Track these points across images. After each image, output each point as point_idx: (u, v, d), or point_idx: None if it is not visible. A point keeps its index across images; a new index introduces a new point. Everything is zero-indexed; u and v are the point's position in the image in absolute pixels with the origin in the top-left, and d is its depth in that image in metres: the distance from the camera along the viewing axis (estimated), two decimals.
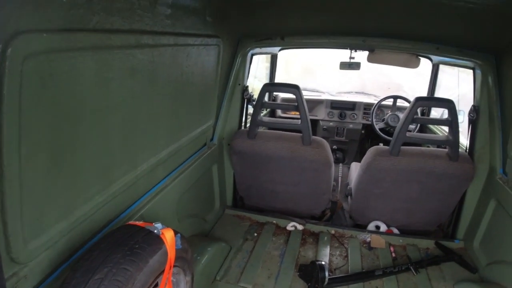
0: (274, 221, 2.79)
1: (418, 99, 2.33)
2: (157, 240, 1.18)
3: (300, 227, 2.73)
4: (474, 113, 2.46)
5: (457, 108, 2.40)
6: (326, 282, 2.01)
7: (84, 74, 1.15)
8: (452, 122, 2.30)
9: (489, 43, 2.26)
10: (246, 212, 2.89)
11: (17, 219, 0.99)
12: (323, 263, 2.06)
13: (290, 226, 2.75)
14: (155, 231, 1.20)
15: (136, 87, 1.47)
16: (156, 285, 1.25)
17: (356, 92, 4.62)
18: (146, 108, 1.59)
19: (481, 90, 2.42)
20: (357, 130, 4.11)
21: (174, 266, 1.31)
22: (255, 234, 2.65)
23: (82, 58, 1.12)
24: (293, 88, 2.42)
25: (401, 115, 3.68)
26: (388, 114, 3.78)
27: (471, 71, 2.56)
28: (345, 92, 4.60)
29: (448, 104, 2.27)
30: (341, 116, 4.08)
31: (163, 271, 1.21)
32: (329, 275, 2.06)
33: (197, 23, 1.94)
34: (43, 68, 0.98)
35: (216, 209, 2.81)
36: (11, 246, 0.99)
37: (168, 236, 1.21)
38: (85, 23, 1.11)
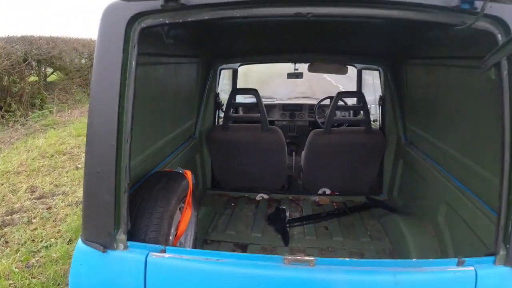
0: (246, 195, 3.62)
1: (339, 93, 3.32)
2: (182, 175, 2.00)
3: (266, 196, 3.58)
4: (381, 100, 3.47)
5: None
6: (286, 221, 2.89)
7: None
8: (363, 107, 3.29)
9: (385, 52, 3.28)
10: (223, 191, 3.71)
11: (126, 156, 1.54)
12: (283, 207, 2.94)
13: (258, 197, 3.58)
14: (180, 171, 2.02)
15: (147, 94, 2.12)
16: (180, 209, 2.06)
17: (302, 97, 5.63)
18: (151, 108, 2.29)
19: (384, 84, 3.44)
20: (305, 126, 5.07)
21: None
22: (233, 204, 3.47)
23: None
24: (253, 90, 3.33)
25: (338, 111, 4.70)
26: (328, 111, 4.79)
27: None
28: (294, 97, 5.60)
29: (359, 94, 3.27)
30: (291, 116, 5.04)
31: (185, 194, 2.02)
32: (289, 216, 2.93)
33: (181, 47, 2.77)
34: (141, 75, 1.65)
35: (199, 190, 3.60)
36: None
37: (188, 174, 2.03)
38: None
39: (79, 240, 1.55)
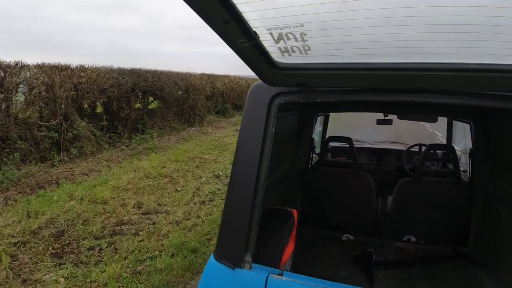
0: (332, 234, 3.86)
1: (431, 145, 3.47)
2: (291, 213, 2.37)
3: (351, 237, 3.80)
4: (472, 153, 3.55)
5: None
6: (372, 263, 3.08)
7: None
8: (453, 160, 3.41)
9: (475, 108, 3.39)
10: (311, 228, 4.00)
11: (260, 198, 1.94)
12: (371, 250, 3.14)
13: (344, 237, 3.81)
14: (288, 209, 2.40)
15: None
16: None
17: (390, 142, 5.78)
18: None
19: (475, 138, 3.52)
20: (392, 171, 5.19)
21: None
22: (320, 241, 3.74)
23: None
24: (347, 138, 3.65)
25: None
26: (416, 158, 4.88)
27: None
28: (381, 142, 5.77)
29: (449, 148, 3.40)
30: (379, 160, 5.21)
31: (292, 230, 2.38)
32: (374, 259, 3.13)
33: (287, 106, 3.20)
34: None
35: None
36: None
37: (295, 212, 2.40)
38: None
39: (211, 257, 1.97)
